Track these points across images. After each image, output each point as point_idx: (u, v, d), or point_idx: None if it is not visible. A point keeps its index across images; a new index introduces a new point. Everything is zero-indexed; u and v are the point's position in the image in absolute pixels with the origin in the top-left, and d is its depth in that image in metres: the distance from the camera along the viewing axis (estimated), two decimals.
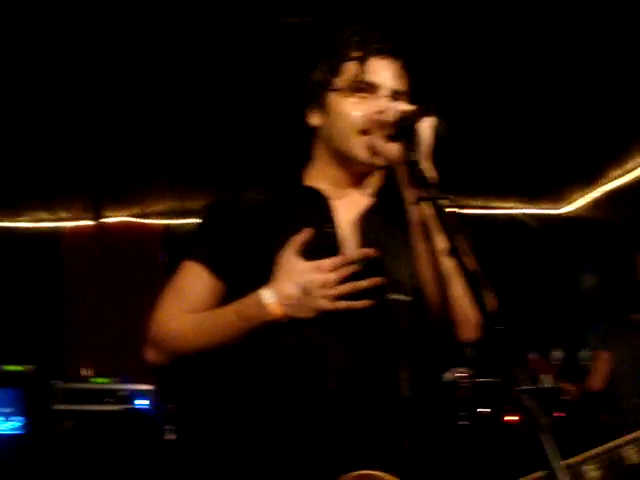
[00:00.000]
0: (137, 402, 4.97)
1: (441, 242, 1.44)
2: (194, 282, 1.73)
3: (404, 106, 1.64)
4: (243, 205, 1.77)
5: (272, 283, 1.62)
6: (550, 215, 6.57)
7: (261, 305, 1.61)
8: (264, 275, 1.64)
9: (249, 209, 1.76)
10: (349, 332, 1.66)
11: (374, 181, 1.79)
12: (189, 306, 1.72)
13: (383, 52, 1.73)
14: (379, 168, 1.76)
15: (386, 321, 1.67)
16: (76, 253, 6.21)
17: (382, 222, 1.74)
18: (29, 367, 4.93)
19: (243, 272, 1.69)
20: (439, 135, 1.50)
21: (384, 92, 1.71)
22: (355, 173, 1.77)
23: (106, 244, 6.14)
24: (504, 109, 4.90)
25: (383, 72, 1.73)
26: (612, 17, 3.95)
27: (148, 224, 6.34)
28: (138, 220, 6.33)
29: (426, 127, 1.57)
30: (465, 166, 5.03)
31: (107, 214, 6.22)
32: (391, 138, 1.62)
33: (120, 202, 6.15)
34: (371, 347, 1.67)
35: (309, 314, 1.60)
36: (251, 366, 1.70)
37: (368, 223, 1.75)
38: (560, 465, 1.08)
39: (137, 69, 4.40)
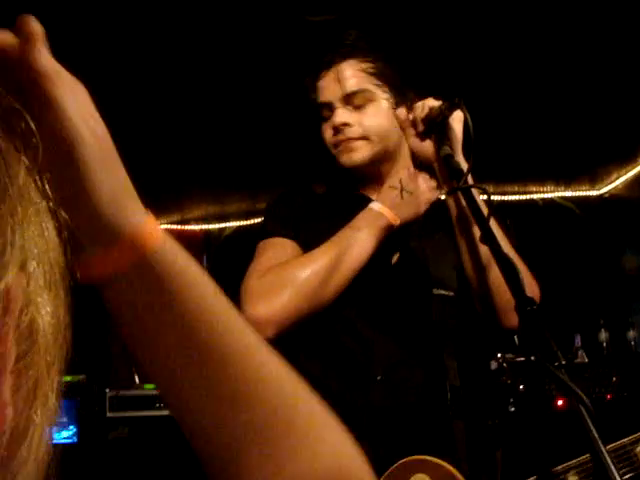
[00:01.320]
0: None
1: (477, 231, 1.47)
2: (283, 251, 1.75)
3: (432, 102, 1.67)
4: (309, 201, 1.84)
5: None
6: (589, 197, 6.52)
7: (372, 212, 1.67)
8: None
9: (315, 206, 1.83)
10: (397, 326, 1.70)
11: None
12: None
13: (325, 68, 1.79)
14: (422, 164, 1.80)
15: (431, 315, 1.70)
16: None
17: (421, 219, 1.78)
18: (80, 376, 5.01)
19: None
20: (468, 127, 1.52)
21: (336, 104, 1.77)
22: (374, 176, 1.82)
23: None
24: (539, 92, 4.88)
25: (331, 86, 1.78)
26: None
27: (188, 230, 6.40)
28: (177, 227, 6.40)
29: (456, 121, 1.60)
30: (501, 153, 5.02)
31: None
32: (423, 135, 1.66)
33: (158, 210, 6.22)
34: (418, 339, 1.71)
35: (416, 210, 1.67)
36: (305, 361, 1.74)
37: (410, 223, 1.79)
38: (598, 436, 1.09)
39: (170, 74, 4.45)
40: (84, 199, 0.56)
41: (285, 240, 1.76)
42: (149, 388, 5.17)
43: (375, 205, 1.69)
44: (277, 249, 1.74)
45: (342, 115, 1.74)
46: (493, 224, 1.50)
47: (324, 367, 1.72)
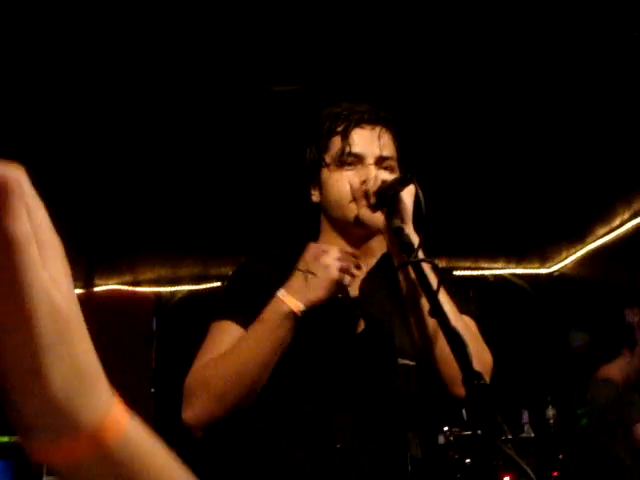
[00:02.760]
0: None
1: (426, 304, 1.48)
2: (225, 337, 1.75)
3: (385, 176, 1.71)
4: (264, 269, 1.83)
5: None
6: (538, 274, 6.63)
7: (276, 301, 1.66)
8: None
9: (269, 273, 1.82)
10: (359, 395, 1.70)
11: (378, 245, 1.85)
12: None
13: (365, 121, 1.81)
14: (375, 233, 1.82)
15: (395, 385, 1.70)
16: None
17: (385, 285, 1.79)
18: (17, 437, 4.86)
19: None
20: (420, 202, 1.55)
21: (370, 160, 1.79)
22: (357, 239, 1.84)
23: (97, 313, 6.13)
24: (491, 171, 4.98)
25: (366, 141, 1.80)
26: (590, 82, 4.05)
27: (139, 292, 6.34)
28: (129, 288, 6.33)
29: (407, 195, 1.63)
30: (454, 228, 5.09)
31: (98, 282, 6.23)
32: (374, 207, 1.68)
33: (111, 270, 6.16)
34: (380, 409, 1.71)
35: (320, 293, 1.65)
36: (264, 428, 1.73)
37: (372, 288, 1.81)
38: None
39: (127, 137, 4.46)
40: (34, 382, 0.48)
41: (230, 324, 1.77)
42: None
43: (280, 292, 1.69)
44: (220, 335, 1.76)
45: (376, 171, 1.76)
46: (444, 297, 1.52)
47: (283, 434, 1.71)
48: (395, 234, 1.60)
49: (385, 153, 1.81)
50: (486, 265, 6.60)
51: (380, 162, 1.80)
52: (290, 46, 3.68)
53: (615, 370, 4.11)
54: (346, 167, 1.80)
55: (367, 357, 1.74)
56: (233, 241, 5.00)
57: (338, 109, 1.87)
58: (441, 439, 4.35)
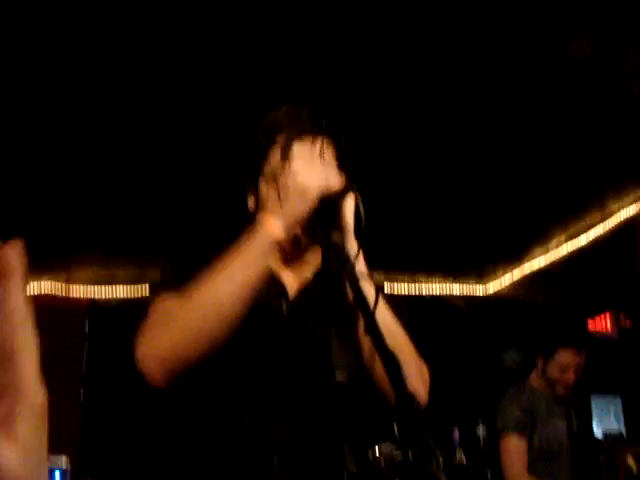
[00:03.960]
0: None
1: (361, 320, 1.44)
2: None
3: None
4: (207, 259, 1.75)
5: None
6: (475, 292, 6.68)
7: (254, 228, 1.57)
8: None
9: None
10: (296, 410, 1.67)
11: (313, 257, 1.80)
12: None
13: (307, 133, 1.74)
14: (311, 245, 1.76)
15: (330, 399, 1.67)
16: None
17: (322, 297, 1.76)
18: None
19: None
20: (359, 213, 1.50)
21: None
22: (290, 252, 1.78)
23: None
24: (430, 188, 5.01)
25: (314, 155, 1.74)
26: (532, 101, 4.11)
27: (73, 292, 6.20)
28: (63, 287, 6.18)
29: (346, 206, 1.59)
30: (391, 243, 5.10)
31: (30, 281, 6.08)
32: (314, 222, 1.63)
33: (43, 269, 6.02)
34: (316, 423, 1.68)
35: (296, 207, 1.55)
36: (200, 440, 1.68)
37: (308, 300, 1.77)
38: None
39: (64, 132, 4.38)
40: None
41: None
42: None
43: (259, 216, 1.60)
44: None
45: None
46: (384, 310, 1.49)
47: (219, 448, 1.66)
48: (333, 247, 1.55)
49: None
50: (422, 281, 6.63)
51: None
52: (236, 53, 3.65)
53: (535, 381, 4.18)
54: None
55: (304, 370, 1.71)
56: (171, 243, 4.93)
57: (278, 116, 1.79)
58: (374, 454, 4.34)
